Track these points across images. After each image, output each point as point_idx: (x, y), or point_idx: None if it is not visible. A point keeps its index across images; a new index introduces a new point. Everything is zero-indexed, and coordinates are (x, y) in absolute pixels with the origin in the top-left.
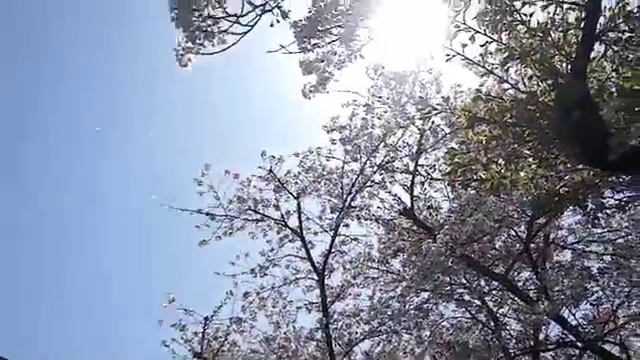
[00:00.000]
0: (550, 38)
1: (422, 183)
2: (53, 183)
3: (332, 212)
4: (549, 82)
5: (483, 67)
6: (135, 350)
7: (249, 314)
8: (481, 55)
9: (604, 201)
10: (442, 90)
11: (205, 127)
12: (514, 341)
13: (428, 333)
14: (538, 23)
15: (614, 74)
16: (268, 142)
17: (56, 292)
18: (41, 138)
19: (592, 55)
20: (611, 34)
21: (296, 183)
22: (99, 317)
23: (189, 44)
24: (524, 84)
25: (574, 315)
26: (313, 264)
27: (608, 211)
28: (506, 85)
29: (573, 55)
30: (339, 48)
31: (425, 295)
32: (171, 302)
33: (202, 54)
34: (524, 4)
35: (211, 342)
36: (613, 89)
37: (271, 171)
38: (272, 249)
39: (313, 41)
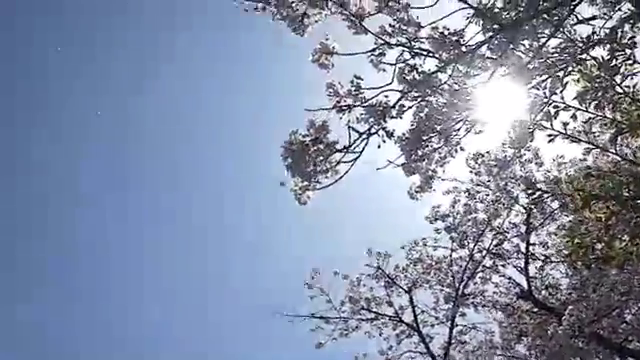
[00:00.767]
0: None
1: (540, 266)
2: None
3: (446, 302)
4: None
5: (589, 143)
6: None
7: None
8: (584, 132)
9: None
10: (543, 165)
11: (309, 231)
12: None
13: None
14: None
15: None
16: (373, 240)
17: None
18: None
19: None
20: None
21: (406, 277)
22: None
23: (305, 183)
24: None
25: None
26: (434, 358)
27: None
28: (617, 158)
29: None
30: (439, 145)
31: None
32: None
33: (318, 189)
34: (625, 77)
35: None
36: None
37: (379, 268)
38: (390, 347)
39: (420, 152)
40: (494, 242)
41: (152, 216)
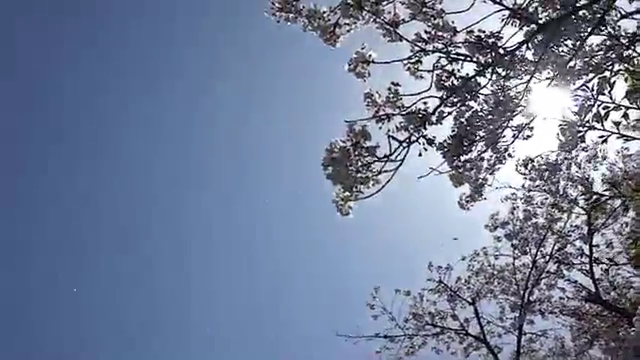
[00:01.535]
0: None
1: (605, 269)
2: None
3: (512, 311)
4: None
5: None
6: None
7: None
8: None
9: None
10: (604, 162)
11: (367, 250)
12: None
13: None
14: None
15: None
16: (433, 255)
17: None
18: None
19: None
20: None
21: (469, 288)
22: None
23: (347, 193)
24: None
25: None
26: None
27: None
28: None
29: None
30: (486, 153)
31: None
32: None
33: (360, 199)
34: None
35: None
36: None
37: (441, 281)
38: None
39: (463, 158)
40: (556, 246)
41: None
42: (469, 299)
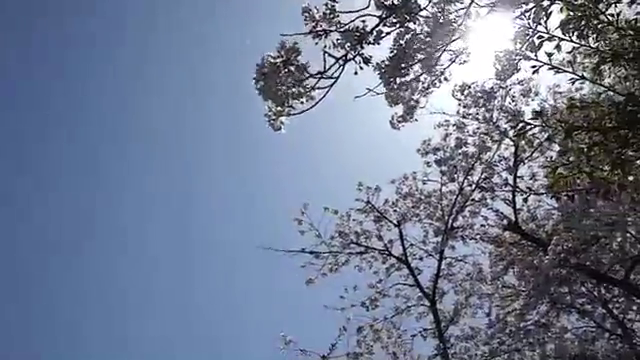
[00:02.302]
0: None
1: (524, 197)
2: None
3: (435, 235)
4: None
5: (573, 73)
6: None
7: (365, 348)
8: (569, 62)
9: None
10: (535, 98)
11: (299, 168)
12: None
13: (552, 347)
14: (627, 21)
15: None
16: (363, 175)
17: (160, 336)
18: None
19: None
20: None
21: (395, 211)
22: None
23: (279, 108)
24: (621, 86)
25: None
26: (423, 290)
27: None
28: (601, 89)
29: None
30: (422, 75)
31: (544, 308)
32: (287, 344)
33: (293, 115)
34: (609, 5)
35: None
36: None
37: (369, 202)
38: (380, 280)
39: (400, 80)
40: (483, 175)
41: None
42: (395, 221)
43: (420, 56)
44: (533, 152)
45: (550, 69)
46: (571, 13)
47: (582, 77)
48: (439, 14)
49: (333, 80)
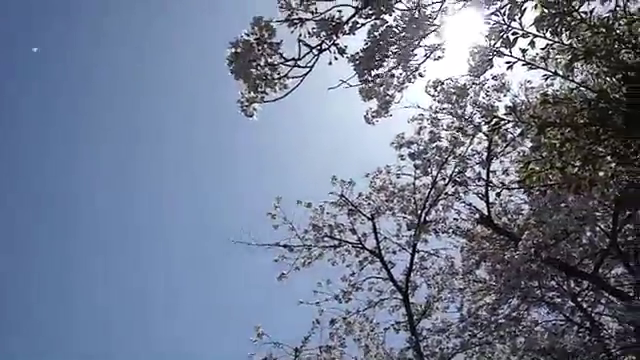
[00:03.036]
0: (614, 32)
1: (497, 192)
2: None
3: (408, 229)
4: (618, 77)
5: (546, 69)
6: None
7: (337, 341)
8: (543, 58)
9: None
10: (508, 94)
11: (272, 163)
12: (615, 340)
13: (522, 340)
14: (599, 19)
15: None
16: (337, 169)
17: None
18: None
19: None
20: None
21: (369, 204)
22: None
23: (252, 94)
24: (593, 82)
25: None
26: (395, 284)
27: None
28: (573, 85)
29: None
30: (397, 70)
31: (515, 302)
32: (260, 336)
33: (266, 102)
34: (582, 2)
35: None
36: None
37: (342, 196)
38: (353, 273)
39: (374, 72)
40: (457, 169)
41: None
42: (369, 215)
43: (394, 49)
44: (506, 147)
45: (524, 65)
46: (545, 10)
47: (555, 73)
48: (414, 9)
49: (307, 70)
